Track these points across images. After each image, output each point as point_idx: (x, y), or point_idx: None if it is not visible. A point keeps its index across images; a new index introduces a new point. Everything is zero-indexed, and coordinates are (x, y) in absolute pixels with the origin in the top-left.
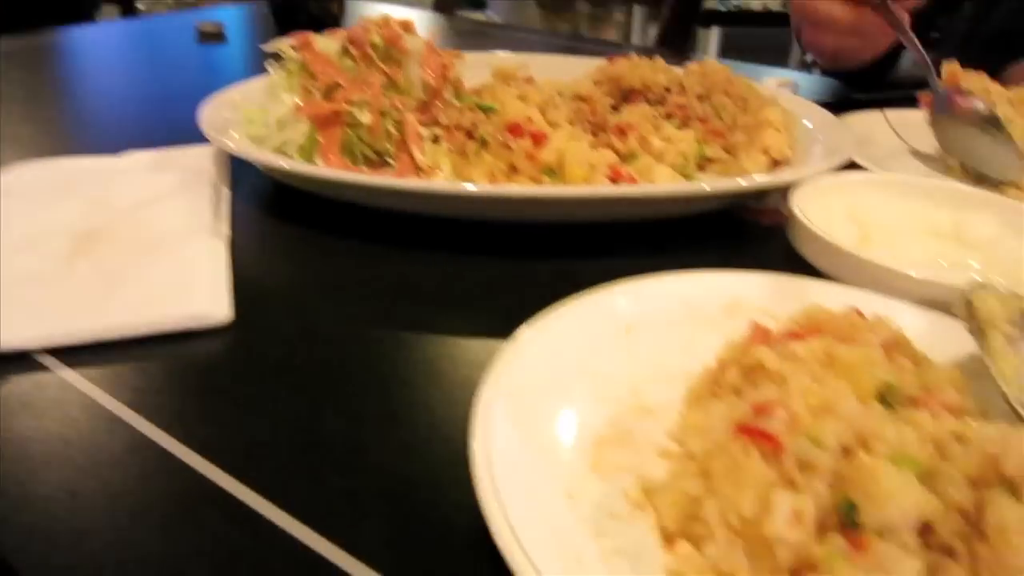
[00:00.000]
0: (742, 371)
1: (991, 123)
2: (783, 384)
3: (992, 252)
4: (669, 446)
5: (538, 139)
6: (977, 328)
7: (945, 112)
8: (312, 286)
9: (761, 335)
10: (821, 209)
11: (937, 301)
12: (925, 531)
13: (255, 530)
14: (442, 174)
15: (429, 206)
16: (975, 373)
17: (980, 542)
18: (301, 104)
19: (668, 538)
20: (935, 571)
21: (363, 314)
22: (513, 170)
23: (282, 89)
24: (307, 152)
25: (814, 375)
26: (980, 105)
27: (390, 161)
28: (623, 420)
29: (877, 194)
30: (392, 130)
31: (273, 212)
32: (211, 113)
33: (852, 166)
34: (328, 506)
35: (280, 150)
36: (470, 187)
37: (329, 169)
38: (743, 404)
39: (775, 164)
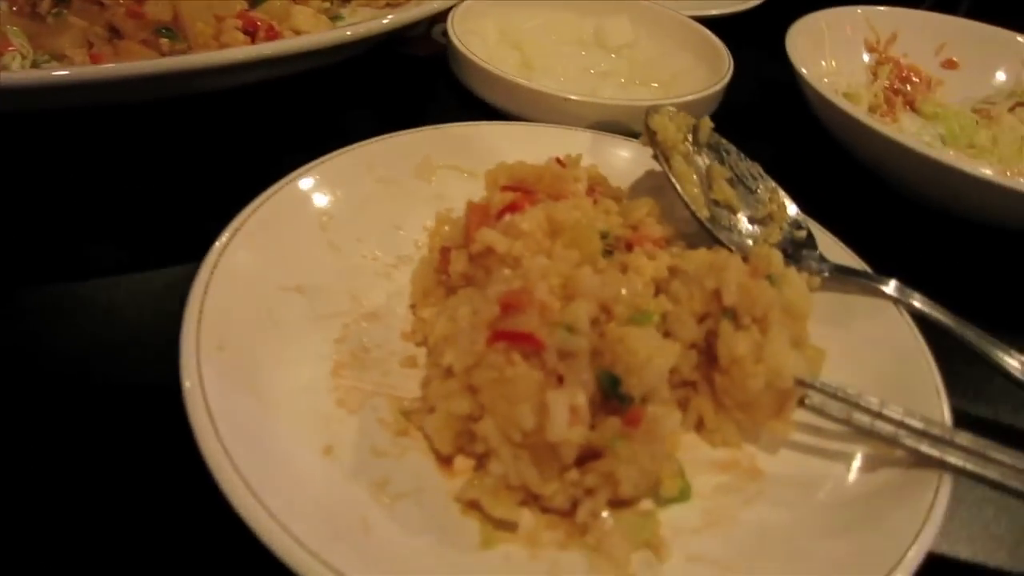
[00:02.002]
0: (469, 256)
1: None
2: (518, 266)
3: (631, 54)
4: (410, 352)
5: None
6: (660, 153)
7: None
8: None
9: (479, 215)
10: (475, 33)
11: (603, 121)
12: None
13: None
14: (15, 50)
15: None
16: (655, 190)
17: (715, 371)
18: None
19: (443, 460)
20: (682, 407)
21: None
22: (115, 33)
23: None
24: None
25: (542, 248)
26: None
27: None
28: (352, 334)
29: (522, 9)
30: None
31: None
32: None
33: None
34: None
35: None
36: (84, 71)
37: None
38: (482, 297)
39: None
